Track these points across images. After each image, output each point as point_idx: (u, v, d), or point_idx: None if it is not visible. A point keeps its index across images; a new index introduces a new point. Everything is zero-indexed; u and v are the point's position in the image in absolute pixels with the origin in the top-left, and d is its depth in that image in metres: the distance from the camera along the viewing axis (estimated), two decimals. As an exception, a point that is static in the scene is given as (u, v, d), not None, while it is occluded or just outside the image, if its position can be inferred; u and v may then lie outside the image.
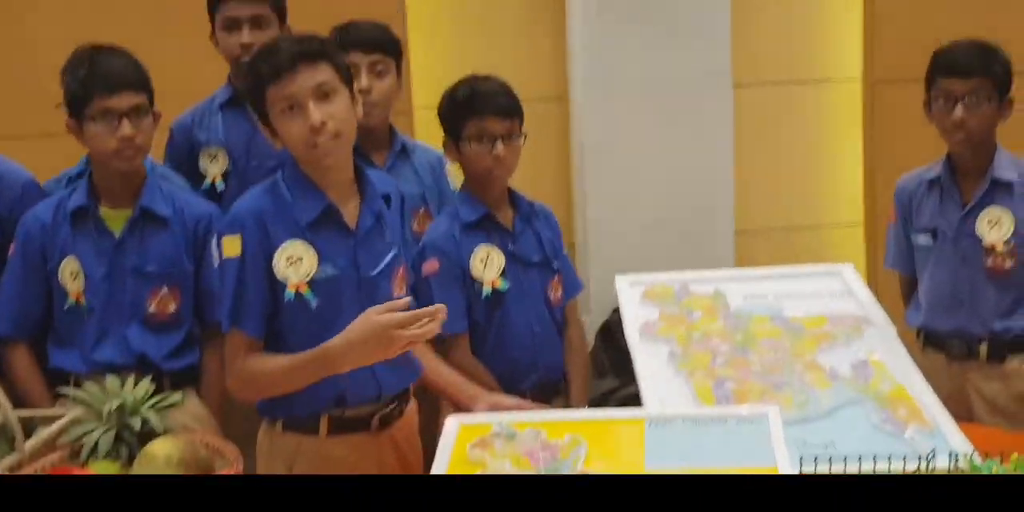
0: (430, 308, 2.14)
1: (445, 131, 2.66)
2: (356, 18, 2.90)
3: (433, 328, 2.12)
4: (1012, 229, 2.71)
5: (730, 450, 2.13)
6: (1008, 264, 2.72)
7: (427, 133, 3.55)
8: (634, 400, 3.76)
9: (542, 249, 2.69)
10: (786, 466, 2.04)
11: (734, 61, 4.14)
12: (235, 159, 2.96)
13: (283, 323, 2.21)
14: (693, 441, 2.17)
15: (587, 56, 4.10)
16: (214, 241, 2.47)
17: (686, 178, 4.19)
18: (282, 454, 2.29)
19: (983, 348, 2.77)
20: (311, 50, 2.18)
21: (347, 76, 2.24)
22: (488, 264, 2.60)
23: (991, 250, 2.73)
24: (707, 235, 4.21)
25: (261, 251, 2.18)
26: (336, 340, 2.13)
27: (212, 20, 2.96)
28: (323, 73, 2.17)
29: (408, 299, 2.21)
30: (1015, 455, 1.96)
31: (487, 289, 2.60)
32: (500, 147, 2.57)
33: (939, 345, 2.83)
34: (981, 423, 2.60)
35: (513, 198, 2.70)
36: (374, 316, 2.11)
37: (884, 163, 4.44)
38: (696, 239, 4.18)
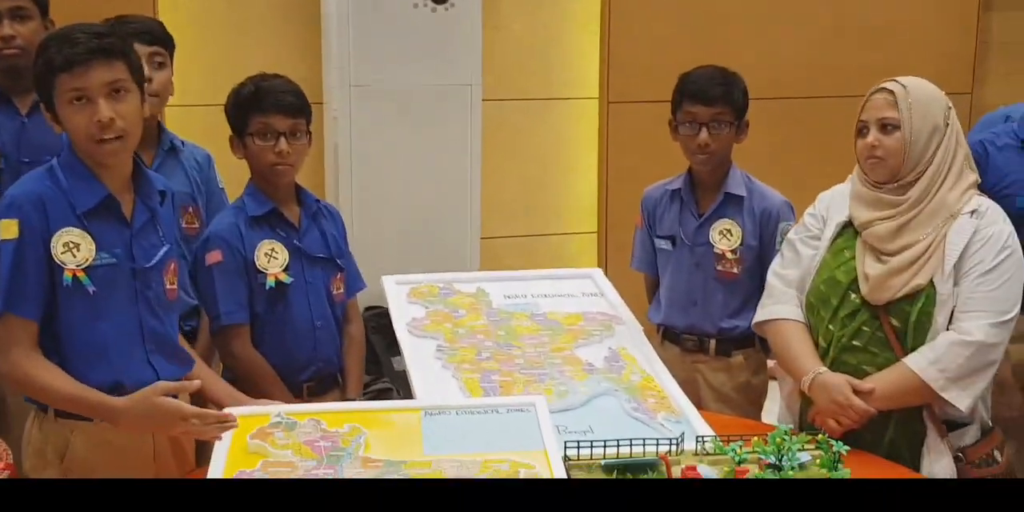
0: (220, 413, 2.21)
1: (231, 126, 2.69)
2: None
3: (217, 432, 2.19)
4: (741, 239, 2.97)
5: (502, 437, 2.26)
6: (736, 270, 2.98)
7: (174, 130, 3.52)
8: (385, 394, 3.89)
9: (327, 246, 2.74)
10: (554, 450, 2.20)
11: (484, 76, 4.31)
12: (6, 155, 2.86)
13: (60, 308, 2.19)
14: (467, 429, 2.29)
15: (341, 62, 4.17)
16: None
17: (435, 185, 4.33)
18: (54, 442, 2.26)
19: (712, 343, 3.02)
20: (109, 47, 2.18)
21: (139, 77, 2.25)
22: (272, 258, 2.64)
23: (721, 257, 2.98)
24: (454, 240, 4.35)
25: (39, 235, 2.16)
26: (122, 402, 2.15)
27: None
28: (118, 71, 2.18)
29: (198, 382, 2.26)
30: (755, 439, 2.22)
31: (270, 281, 2.63)
32: (283, 143, 2.61)
33: (675, 339, 3.08)
34: (707, 409, 2.84)
35: (301, 195, 2.75)
36: (159, 396, 2.13)
37: (616, 177, 4.77)
38: (443, 243, 4.31)
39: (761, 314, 2.68)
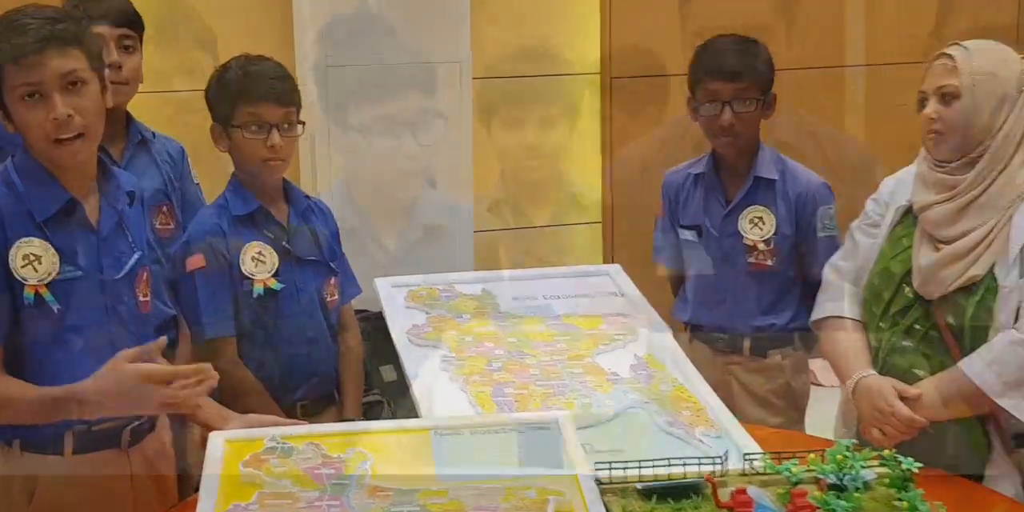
0: (196, 367, 2.02)
1: (213, 116, 2.50)
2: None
3: (200, 392, 2.01)
4: (774, 228, 2.78)
5: (524, 459, 2.08)
6: (770, 262, 2.78)
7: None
8: (375, 407, 3.68)
9: (319, 248, 2.57)
10: (584, 473, 2.00)
11: (474, 53, 4.09)
12: None
13: (24, 327, 2.05)
14: (483, 449, 2.11)
15: (316, 40, 3.95)
16: None
17: (422, 174, 4.13)
18: (19, 478, 2.11)
19: (746, 343, 2.84)
20: (63, 33, 2.02)
21: (99, 64, 2.09)
22: (259, 262, 2.47)
23: (753, 248, 2.79)
24: (445, 234, 4.15)
25: None
26: (87, 385, 1.99)
27: None
28: (74, 60, 2.02)
29: (163, 340, 2.06)
30: (811, 456, 2.00)
31: (258, 288, 2.45)
32: (276, 136, 2.44)
33: (705, 339, 2.89)
34: (744, 415, 2.64)
35: (289, 192, 2.57)
36: (125, 364, 1.97)
37: (622, 161, 4.54)
38: (433, 238, 4.12)
39: (815, 312, 2.50)
